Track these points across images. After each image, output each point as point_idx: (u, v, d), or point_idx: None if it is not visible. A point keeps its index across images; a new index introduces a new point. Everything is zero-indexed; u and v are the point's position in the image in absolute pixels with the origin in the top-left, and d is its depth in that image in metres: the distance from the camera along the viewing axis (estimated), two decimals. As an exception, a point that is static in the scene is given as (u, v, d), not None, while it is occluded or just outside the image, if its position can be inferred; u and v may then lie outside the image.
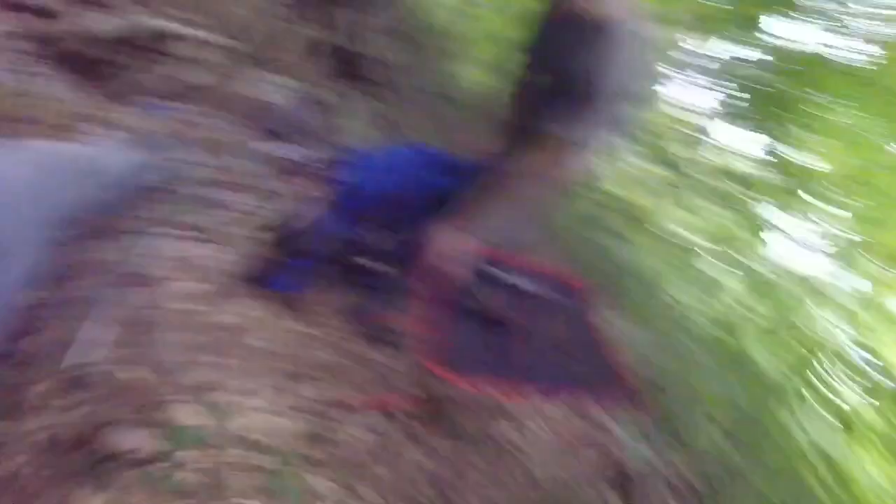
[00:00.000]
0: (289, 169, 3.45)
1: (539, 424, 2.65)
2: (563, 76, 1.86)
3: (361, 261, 2.68)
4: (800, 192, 6.88)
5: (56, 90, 2.70)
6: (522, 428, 2.55)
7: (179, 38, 3.40)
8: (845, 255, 6.56)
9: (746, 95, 7.15)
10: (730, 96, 7.38)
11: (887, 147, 6.33)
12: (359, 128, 4.90)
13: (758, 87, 6.86)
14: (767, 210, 7.08)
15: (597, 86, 1.80)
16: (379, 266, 2.65)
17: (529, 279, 2.30)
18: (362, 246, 2.69)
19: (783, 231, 6.91)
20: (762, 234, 6.95)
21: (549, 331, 2.23)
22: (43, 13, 2.94)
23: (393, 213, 2.40)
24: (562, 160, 1.93)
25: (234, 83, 3.72)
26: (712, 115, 7.93)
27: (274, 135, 3.69)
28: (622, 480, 2.67)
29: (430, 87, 5.25)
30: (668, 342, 4.05)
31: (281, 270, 2.42)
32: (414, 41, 5.27)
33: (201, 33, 3.54)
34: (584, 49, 1.79)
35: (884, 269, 6.15)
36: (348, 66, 4.78)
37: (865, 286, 6.30)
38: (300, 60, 4.84)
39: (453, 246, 2.00)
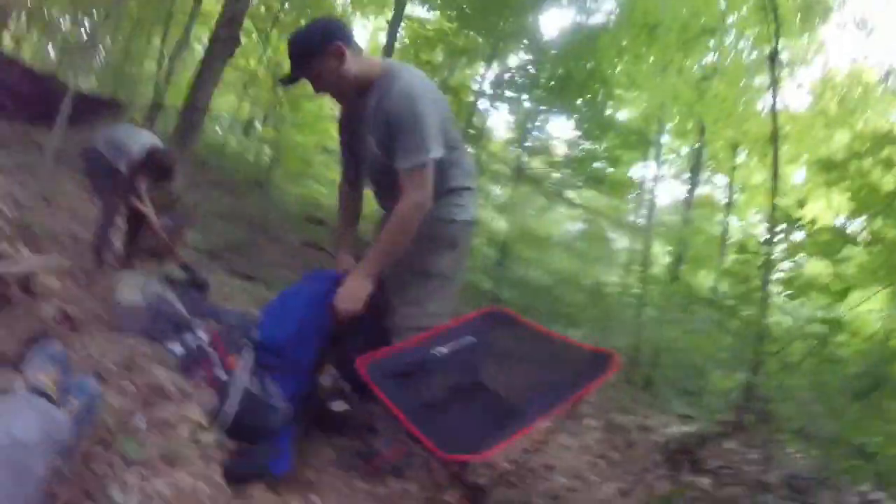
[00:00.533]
0: (189, 363, 3.15)
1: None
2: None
3: (332, 406, 2.60)
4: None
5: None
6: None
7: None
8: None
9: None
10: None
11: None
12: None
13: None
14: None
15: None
16: (348, 401, 2.68)
17: (456, 339, 2.39)
18: (323, 392, 2.64)
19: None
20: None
21: (508, 362, 2.34)
22: None
23: (323, 343, 2.45)
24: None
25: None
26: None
27: (151, 337, 3.42)
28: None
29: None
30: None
31: (264, 455, 2.23)
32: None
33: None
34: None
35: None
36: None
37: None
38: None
39: (356, 290, 2.35)
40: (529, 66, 12.09)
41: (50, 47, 17.79)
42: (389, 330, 2.50)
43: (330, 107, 17.59)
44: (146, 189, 4.54)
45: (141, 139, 4.57)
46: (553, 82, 11.62)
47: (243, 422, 2.22)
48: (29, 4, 14.90)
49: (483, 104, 13.35)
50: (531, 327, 2.45)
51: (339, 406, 2.70)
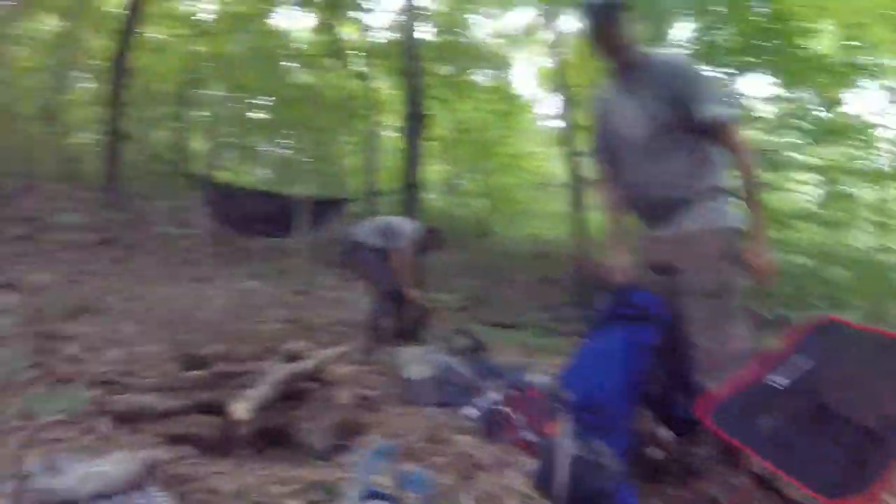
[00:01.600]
0: (490, 427, 3.24)
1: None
2: None
3: (648, 453, 2.51)
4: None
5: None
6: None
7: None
8: None
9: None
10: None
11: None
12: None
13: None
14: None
15: None
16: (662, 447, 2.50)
17: (791, 363, 2.13)
18: (649, 442, 2.54)
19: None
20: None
21: (853, 379, 2.04)
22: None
23: (640, 391, 2.30)
24: None
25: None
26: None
27: (445, 406, 3.55)
28: None
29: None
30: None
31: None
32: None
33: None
34: None
35: None
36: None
37: None
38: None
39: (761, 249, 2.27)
40: (700, 31, 10.96)
41: (260, 170, 20.37)
42: (693, 365, 2.34)
43: (513, 146, 18.11)
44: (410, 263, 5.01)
45: (405, 223, 5.14)
46: (733, 38, 10.44)
47: (578, 489, 2.09)
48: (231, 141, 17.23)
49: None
50: (869, 332, 2.17)
51: (655, 453, 2.53)
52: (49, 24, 14.00)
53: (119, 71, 8.87)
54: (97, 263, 6.35)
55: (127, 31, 8.99)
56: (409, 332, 5.11)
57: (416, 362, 3.84)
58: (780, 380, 2.08)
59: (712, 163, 2.36)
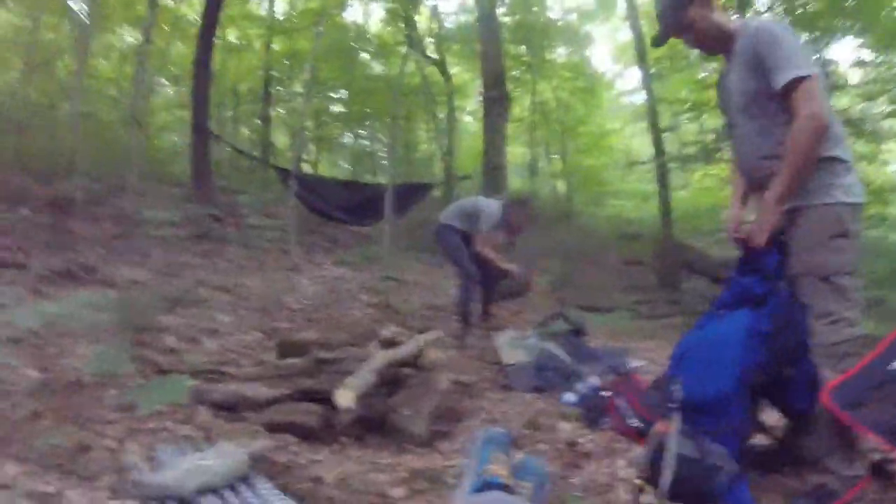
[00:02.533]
0: (592, 414, 2.97)
1: None
2: None
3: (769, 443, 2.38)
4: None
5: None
6: None
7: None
8: None
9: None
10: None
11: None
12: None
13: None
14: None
15: None
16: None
17: None
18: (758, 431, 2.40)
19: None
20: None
21: None
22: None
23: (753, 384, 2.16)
24: None
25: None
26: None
27: (543, 391, 3.44)
28: None
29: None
30: None
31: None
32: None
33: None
34: None
35: None
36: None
37: None
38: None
39: (763, 222, 2.17)
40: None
41: (341, 161, 20.76)
42: (808, 348, 2.13)
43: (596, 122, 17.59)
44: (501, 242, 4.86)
45: (491, 203, 4.90)
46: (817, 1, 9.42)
47: (687, 489, 1.95)
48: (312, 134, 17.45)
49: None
50: None
51: (765, 442, 2.41)
52: (129, 35, 14.79)
53: (201, 73, 9.02)
54: (189, 257, 6.49)
55: (205, 35, 9.10)
56: (501, 309, 4.91)
57: (513, 347, 3.78)
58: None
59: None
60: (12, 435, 2.76)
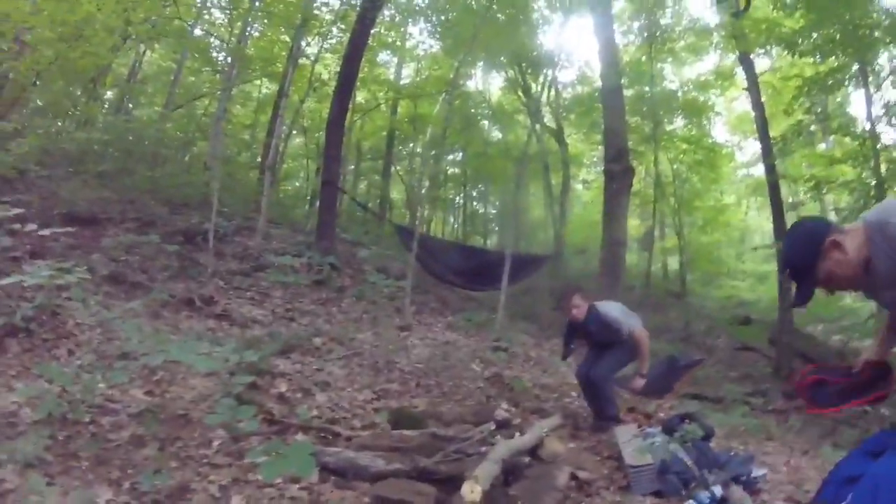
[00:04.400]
0: None
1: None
2: None
3: None
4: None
5: None
6: None
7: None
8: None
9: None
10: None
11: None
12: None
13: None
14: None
15: None
16: None
17: None
18: None
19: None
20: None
21: None
22: None
23: None
24: None
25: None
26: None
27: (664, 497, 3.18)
28: None
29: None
30: None
31: None
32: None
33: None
34: None
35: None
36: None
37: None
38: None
39: None
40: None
41: (452, 219, 21.09)
42: None
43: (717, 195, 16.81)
44: None
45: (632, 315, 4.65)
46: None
47: None
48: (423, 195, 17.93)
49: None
50: None
51: None
52: (266, 87, 15.91)
53: (334, 130, 9.40)
54: (307, 304, 6.55)
55: (341, 96, 9.53)
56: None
57: (636, 446, 3.50)
58: None
59: None
60: (112, 458, 2.70)
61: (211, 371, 3.38)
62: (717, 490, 3.10)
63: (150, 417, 3.08)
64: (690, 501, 3.08)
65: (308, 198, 15.44)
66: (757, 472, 3.56)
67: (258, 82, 15.73)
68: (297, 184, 18.58)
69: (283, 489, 2.63)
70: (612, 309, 4.51)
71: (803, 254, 2.10)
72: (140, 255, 6.12)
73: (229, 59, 10.95)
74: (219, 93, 11.04)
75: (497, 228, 18.75)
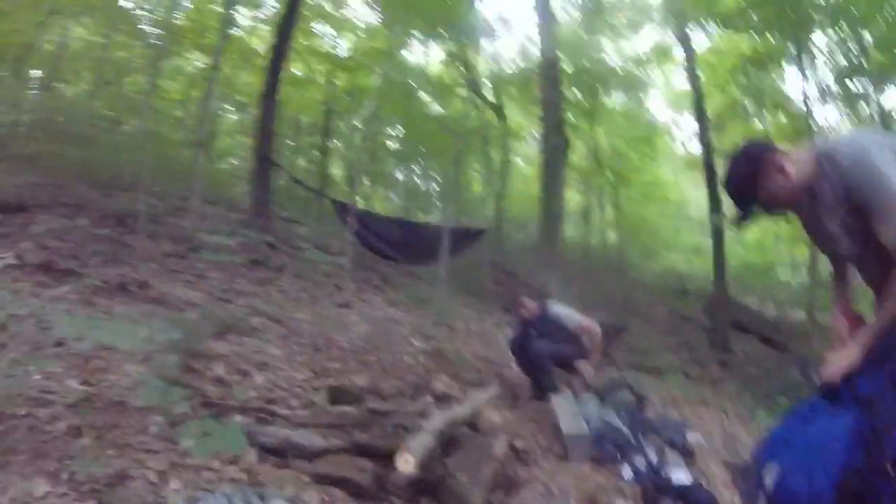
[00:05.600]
0: (652, 495, 2.87)
1: None
2: None
3: None
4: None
5: None
6: None
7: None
8: None
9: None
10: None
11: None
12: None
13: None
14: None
15: None
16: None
17: None
18: None
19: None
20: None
21: None
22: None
23: None
24: None
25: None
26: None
27: (600, 463, 3.31)
28: None
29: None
30: None
31: None
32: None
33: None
34: None
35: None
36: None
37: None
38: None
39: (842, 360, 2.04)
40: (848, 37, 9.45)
41: (393, 195, 21.00)
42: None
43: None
44: None
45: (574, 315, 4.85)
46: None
47: None
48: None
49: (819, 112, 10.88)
50: None
51: None
52: (198, 60, 15.32)
53: (267, 104, 9.19)
54: (244, 284, 6.44)
55: (273, 68, 9.31)
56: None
57: (572, 414, 3.65)
58: None
59: None
60: (48, 449, 2.65)
61: (146, 356, 3.35)
62: (652, 455, 3.24)
63: (86, 406, 3.03)
64: (626, 467, 3.19)
65: (248, 176, 15.00)
66: (691, 437, 3.73)
67: (189, 55, 15.15)
68: (235, 162, 18.11)
69: (221, 471, 2.61)
70: (565, 310, 4.75)
71: (744, 175, 2.15)
72: (71, 241, 5.90)
73: (159, 32, 10.53)
74: (149, 68, 10.64)
75: (439, 204, 18.84)
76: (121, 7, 10.67)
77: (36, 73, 12.58)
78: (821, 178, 2.06)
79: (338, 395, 3.49)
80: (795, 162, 2.12)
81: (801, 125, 10.07)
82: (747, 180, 2.14)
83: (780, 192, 2.11)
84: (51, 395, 3.13)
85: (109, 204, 7.39)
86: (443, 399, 3.66)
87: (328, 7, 14.61)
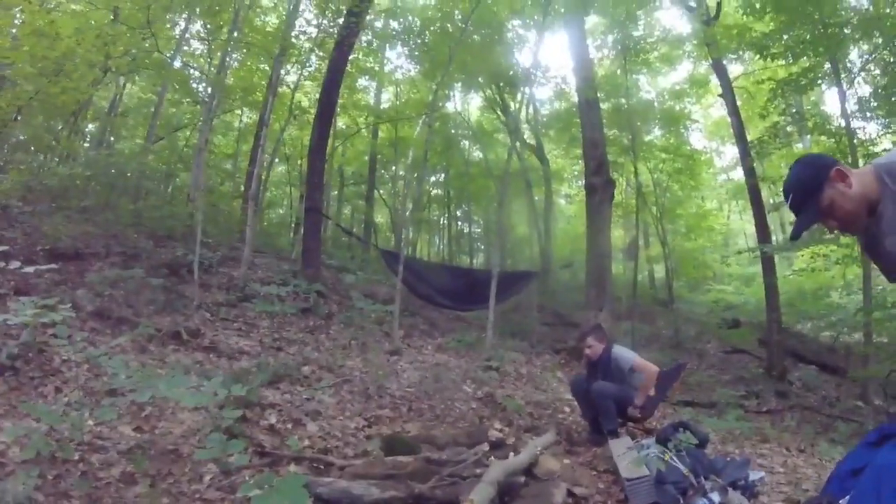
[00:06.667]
0: None
1: None
2: None
3: None
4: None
5: None
6: None
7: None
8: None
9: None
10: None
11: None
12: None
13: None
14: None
15: None
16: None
17: None
18: None
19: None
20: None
21: None
22: None
23: None
24: None
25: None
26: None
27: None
28: None
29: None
30: None
31: None
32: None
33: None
34: None
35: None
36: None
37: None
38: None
39: None
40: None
41: (437, 239, 21.14)
42: None
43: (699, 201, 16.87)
44: None
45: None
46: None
47: None
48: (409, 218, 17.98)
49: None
50: None
51: None
52: (247, 116, 15.99)
53: (316, 158, 9.44)
54: (294, 332, 6.53)
55: (321, 124, 9.59)
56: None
57: (631, 458, 3.49)
58: None
59: None
60: (102, 496, 2.66)
61: (199, 405, 3.35)
62: (715, 497, 3.08)
63: (139, 454, 3.04)
64: (689, 509, 3.02)
65: (293, 225, 15.43)
66: (754, 475, 3.55)
67: (239, 112, 15.77)
68: (281, 212, 18.56)
69: (278, 522, 2.59)
70: (624, 351, 4.64)
71: (808, 178, 2.06)
72: (125, 289, 6.06)
73: (209, 90, 10.99)
74: (200, 123, 11.07)
75: (483, 247, 18.83)
76: (172, 66, 11.17)
77: (91, 128, 13.19)
78: (882, 192, 1.98)
79: (392, 444, 3.45)
80: (857, 175, 2.02)
81: (844, 144, 9.75)
82: (811, 183, 2.04)
83: (841, 202, 2.00)
84: (104, 442, 3.18)
85: (162, 254, 7.65)
86: (497, 446, 3.58)
87: (370, 61, 15.01)
